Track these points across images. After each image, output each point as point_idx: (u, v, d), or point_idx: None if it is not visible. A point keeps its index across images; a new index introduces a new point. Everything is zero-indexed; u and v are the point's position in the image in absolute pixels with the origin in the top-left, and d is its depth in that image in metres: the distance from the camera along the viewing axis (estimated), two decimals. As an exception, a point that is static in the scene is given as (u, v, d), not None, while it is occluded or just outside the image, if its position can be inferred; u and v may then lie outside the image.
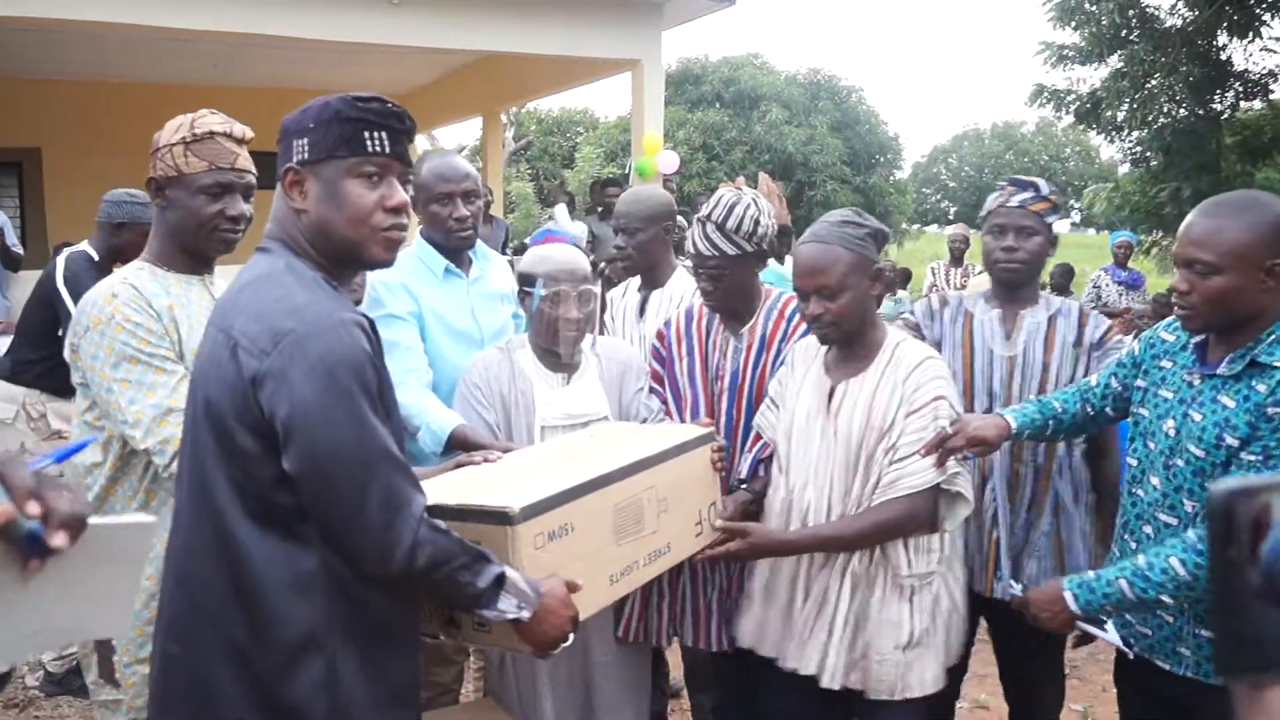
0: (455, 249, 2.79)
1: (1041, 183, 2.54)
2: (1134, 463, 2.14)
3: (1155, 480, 2.05)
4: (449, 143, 21.60)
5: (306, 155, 1.55)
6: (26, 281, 7.67)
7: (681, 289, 3.00)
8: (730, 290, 2.51)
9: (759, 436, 2.46)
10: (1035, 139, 38.15)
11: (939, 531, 2.20)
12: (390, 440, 1.50)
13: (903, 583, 2.17)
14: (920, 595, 2.18)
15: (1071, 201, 33.10)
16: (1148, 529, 2.07)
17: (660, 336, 2.76)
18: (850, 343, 2.24)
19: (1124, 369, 2.23)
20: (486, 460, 2.11)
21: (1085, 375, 2.46)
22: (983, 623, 2.64)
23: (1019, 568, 2.52)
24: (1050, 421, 2.29)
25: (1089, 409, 2.28)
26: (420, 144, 15.78)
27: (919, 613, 2.17)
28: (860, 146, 21.18)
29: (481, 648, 1.80)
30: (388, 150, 1.57)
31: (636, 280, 3.17)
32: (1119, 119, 10.96)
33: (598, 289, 2.57)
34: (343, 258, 1.59)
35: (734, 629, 2.45)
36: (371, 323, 1.55)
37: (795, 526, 2.26)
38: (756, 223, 2.47)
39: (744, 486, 2.45)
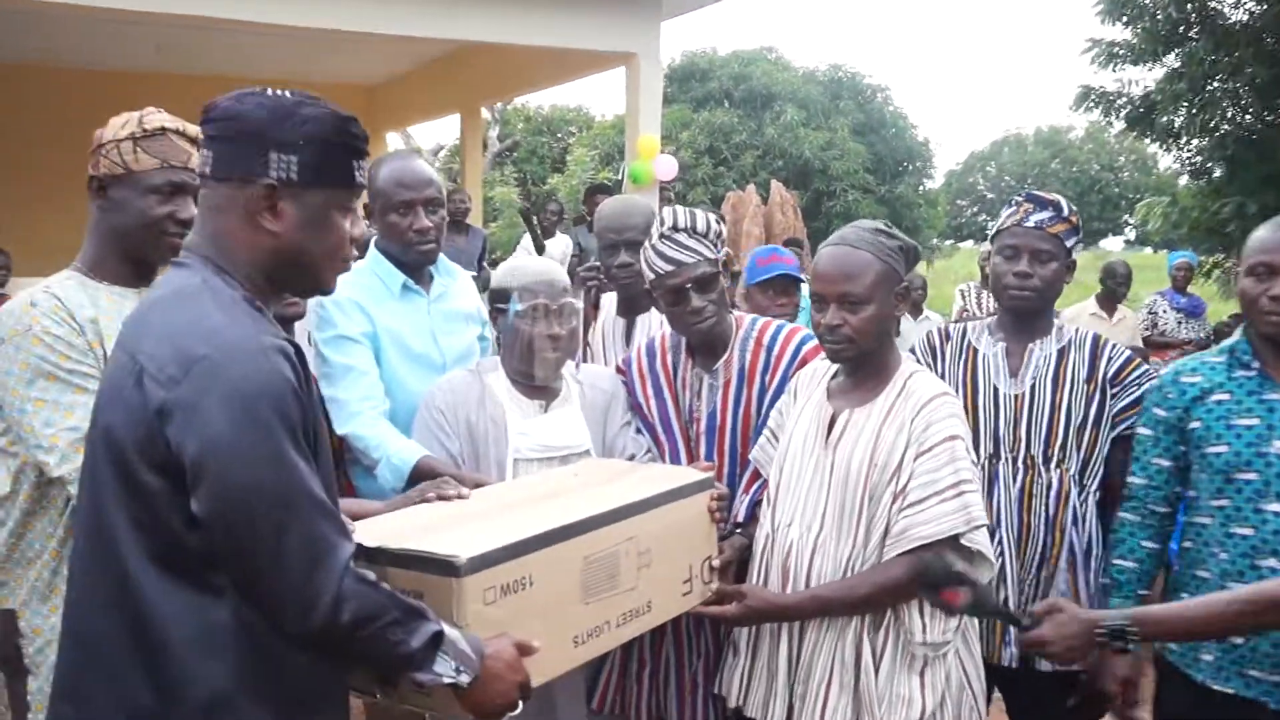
0: (415, 263, 2.81)
1: (1063, 201, 2.57)
2: (1223, 503, 2.23)
3: (1277, 507, 2.15)
4: (425, 142, 21.72)
5: (294, 176, 1.55)
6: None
7: None
8: (722, 307, 2.54)
9: (757, 475, 2.47)
10: (1085, 146, 38.38)
11: None
12: (314, 480, 1.50)
13: (915, 651, 2.16)
14: (933, 668, 2.18)
15: (1125, 217, 33.22)
16: (1271, 562, 2.15)
17: (622, 373, 2.76)
18: (861, 366, 2.26)
19: (1161, 445, 2.37)
20: (443, 496, 2.10)
21: (1101, 415, 2.50)
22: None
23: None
24: (1154, 557, 2.42)
25: (1161, 508, 2.41)
26: (393, 142, 15.85)
27: (931, 688, 2.16)
28: (886, 152, 21.28)
29: (418, 711, 1.79)
30: (364, 181, 1.65)
31: (612, 300, 3.19)
32: (1175, 125, 11.02)
33: (580, 304, 2.59)
34: (295, 285, 1.64)
35: (718, 683, 2.44)
36: (297, 349, 1.56)
37: (775, 569, 2.27)
38: (719, 223, 2.54)
39: (740, 531, 2.45)
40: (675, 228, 2.49)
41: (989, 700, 2.51)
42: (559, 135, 25.12)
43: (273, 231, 1.56)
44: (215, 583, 1.48)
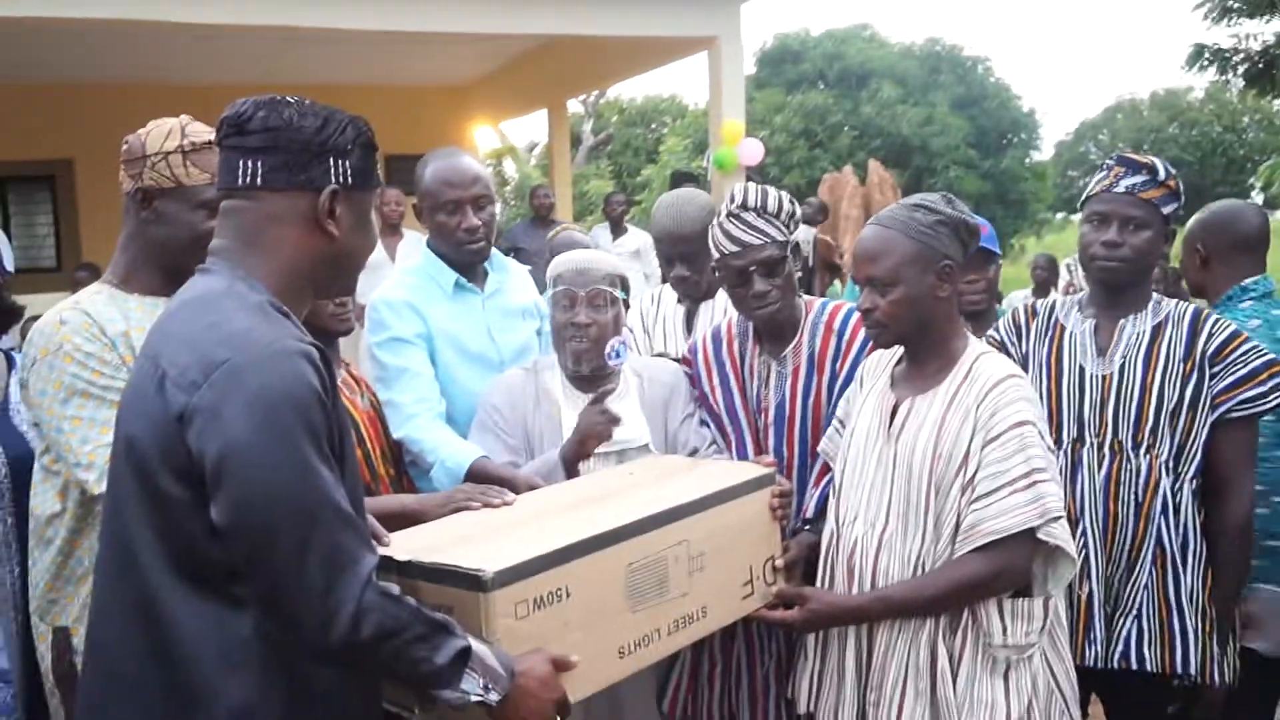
0: (466, 262, 2.77)
1: (1159, 163, 2.37)
2: None
3: None
4: (519, 139, 21.94)
5: (350, 180, 1.60)
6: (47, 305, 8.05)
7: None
8: (789, 292, 2.43)
9: (827, 468, 2.36)
10: (1205, 107, 36.66)
11: (1039, 596, 2.06)
12: (337, 489, 1.46)
13: (996, 654, 2.03)
14: (1018, 671, 2.04)
15: (1251, 180, 31.64)
16: None
17: (686, 363, 2.68)
18: (920, 350, 2.15)
19: None
20: (486, 504, 2.04)
21: (1199, 396, 2.30)
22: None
23: (1113, 629, 2.33)
24: None
25: None
26: (489, 141, 16.03)
27: (1016, 693, 2.03)
28: (988, 125, 20.72)
29: None
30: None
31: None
32: (1299, 80, 10.43)
33: (618, 293, 2.52)
34: (332, 287, 1.70)
35: (789, 686, 2.34)
36: (323, 353, 1.52)
37: (840, 566, 2.16)
38: (792, 203, 2.45)
39: (809, 528, 2.35)
40: (744, 206, 2.40)
41: (1086, 705, 2.38)
42: (652, 126, 25.13)
43: (332, 235, 1.58)
44: (239, 595, 1.45)
